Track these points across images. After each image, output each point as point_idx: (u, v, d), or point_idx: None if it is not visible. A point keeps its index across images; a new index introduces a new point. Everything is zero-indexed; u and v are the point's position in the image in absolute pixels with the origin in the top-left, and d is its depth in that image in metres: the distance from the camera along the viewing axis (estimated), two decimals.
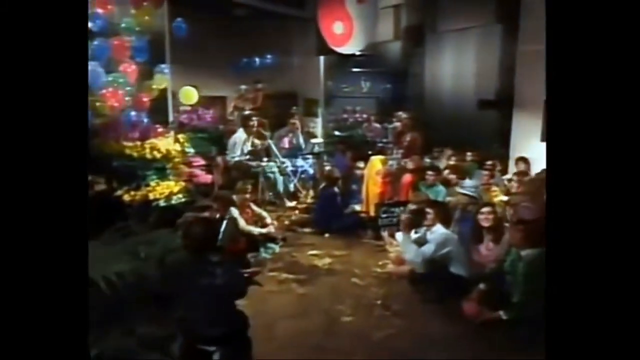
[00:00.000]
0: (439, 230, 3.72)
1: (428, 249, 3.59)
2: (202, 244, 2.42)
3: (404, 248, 3.79)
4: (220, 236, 2.48)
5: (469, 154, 7.19)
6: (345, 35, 7.17)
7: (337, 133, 8.63)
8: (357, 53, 8.60)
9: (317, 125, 9.09)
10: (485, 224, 3.86)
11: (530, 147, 6.60)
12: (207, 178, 6.61)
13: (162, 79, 5.17)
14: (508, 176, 6.56)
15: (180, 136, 6.91)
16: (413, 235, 3.94)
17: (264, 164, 6.11)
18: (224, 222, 2.56)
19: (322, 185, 6.19)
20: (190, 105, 7.95)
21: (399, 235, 4.79)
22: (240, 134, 6.30)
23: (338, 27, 7.18)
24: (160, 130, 5.20)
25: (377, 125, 8.55)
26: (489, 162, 6.44)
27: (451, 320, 3.42)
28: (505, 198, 4.86)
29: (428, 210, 3.75)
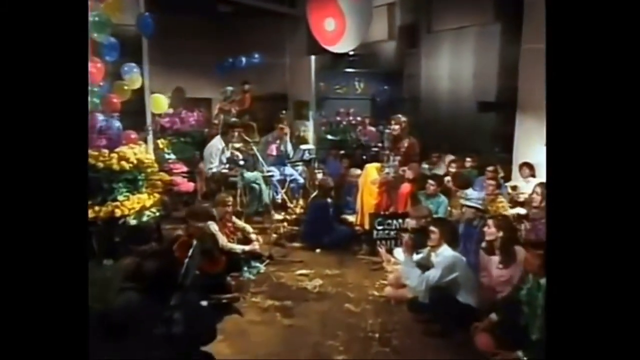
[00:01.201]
0: (445, 252, 3.26)
1: (433, 274, 3.12)
2: (156, 285, 1.94)
3: (406, 273, 3.33)
4: (184, 269, 2.00)
5: (468, 159, 6.79)
6: (337, 33, 6.71)
7: (329, 137, 8.19)
8: (350, 53, 8.17)
9: (308, 129, 8.62)
10: (490, 237, 3.42)
11: (535, 152, 6.18)
12: (189, 186, 6.12)
13: (134, 79, 4.69)
14: (512, 183, 6.16)
15: (161, 141, 6.45)
16: (415, 256, 3.47)
17: (248, 174, 5.56)
18: (191, 248, 2.07)
19: (313, 194, 5.72)
20: (173, 108, 7.50)
21: (398, 253, 4.35)
22: (217, 143, 5.78)
23: (329, 24, 6.72)
24: (133, 136, 4.71)
25: (372, 128, 8.13)
26: (490, 168, 6.02)
27: (460, 358, 2.96)
28: (522, 210, 4.37)
29: (432, 229, 3.28)
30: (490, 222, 3.51)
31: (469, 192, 5.01)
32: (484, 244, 3.51)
